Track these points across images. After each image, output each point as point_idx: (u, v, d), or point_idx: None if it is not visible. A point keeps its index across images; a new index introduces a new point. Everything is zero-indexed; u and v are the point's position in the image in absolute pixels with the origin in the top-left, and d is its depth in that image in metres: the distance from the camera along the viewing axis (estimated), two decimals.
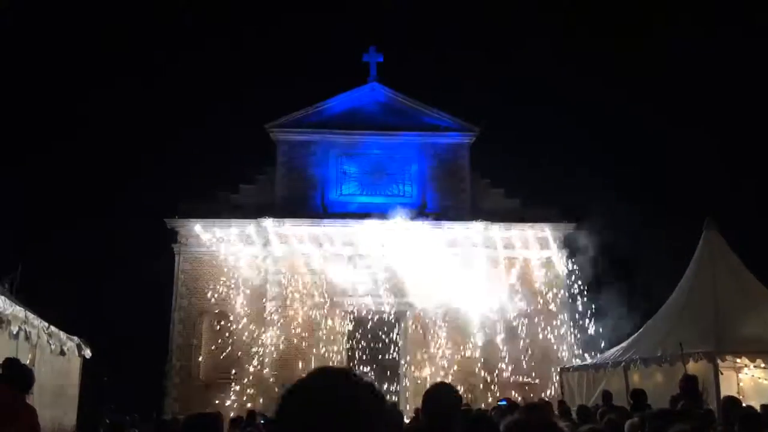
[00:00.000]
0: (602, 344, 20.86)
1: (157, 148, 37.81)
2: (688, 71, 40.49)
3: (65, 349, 8.52)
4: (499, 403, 13.05)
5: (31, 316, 6.95)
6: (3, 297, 6.01)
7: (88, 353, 9.87)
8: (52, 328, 7.88)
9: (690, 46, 40.91)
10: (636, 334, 15.50)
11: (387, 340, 23.37)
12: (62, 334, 8.45)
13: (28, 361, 6.92)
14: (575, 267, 24.09)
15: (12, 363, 5.65)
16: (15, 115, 36.41)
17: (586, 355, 21.47)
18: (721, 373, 12.03)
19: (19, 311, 6.51)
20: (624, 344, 15.51)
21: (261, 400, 21.74)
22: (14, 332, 6.46)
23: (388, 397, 21.05)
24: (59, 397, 8.44)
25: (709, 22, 39.05)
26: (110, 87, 43.76)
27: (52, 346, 7.88)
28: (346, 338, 23.43)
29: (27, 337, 6.91)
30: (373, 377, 21.84)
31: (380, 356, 23.15)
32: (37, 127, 37.84)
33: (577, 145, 37.56)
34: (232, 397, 22.44)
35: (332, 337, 23.18)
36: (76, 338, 9.28)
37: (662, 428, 4.60)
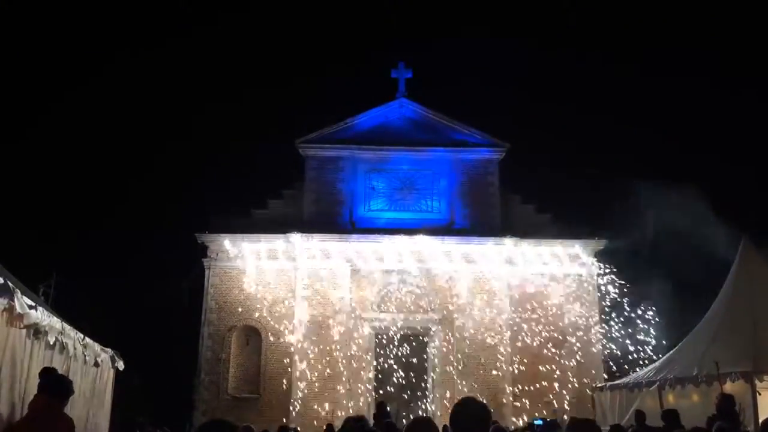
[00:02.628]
0: (636, 363, 20.46)
1: (189, 165, 38.42)
2: (723, 82, 39.94)
3: (99, 360, 8.62)
4: (534, 421, 12.87)
5: (67, 327, 7.04)
6: (41, 308, 6.10)
7: (121, 365, 9.98)
8: (87, 339, 7.98)
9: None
10: (671, 353, 15.18)
11: (415, 356, 23.21)
12: (96, 346, 8.56)
13: (62, 372, 7.00)
14: (607, 283, 23.74)
15: (50, 373, 5.72)
16: (55, 132, 37.35)
17: (618, 374, 21.07)
18: (759, 394, 11.69)
19: (56, 322, 6.60)
20: (658, 363, 15.20)
21: (292, 415, 21.76)
22: (51, 342, 6.55)
23: (416, 412, 20.93)
24: (93, 408, 8.54)
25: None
26: (145, 106, 44.66)
27: (87, 357, 7.99)
28: (374, 353, 23.35)
29: (63, 348, 7.01)
30: (401, 392, 21.81)
31: (409, 372, 22.98)
32: (74, 145, 38.71)
33: (609, 159, 37.11)
34: (261, 411, 22.45)
35: (360, 353, 23.12)
36: (109, 350, 9.39)
37: None
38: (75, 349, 7.38)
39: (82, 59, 44.13)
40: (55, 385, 5.56)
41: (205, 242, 24.43)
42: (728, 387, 11.60)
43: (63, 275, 20.16)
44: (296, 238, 23.61)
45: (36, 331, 6.09)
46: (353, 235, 23.84)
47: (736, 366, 12.02)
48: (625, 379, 16.76)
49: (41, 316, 6.04)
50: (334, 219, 24.40)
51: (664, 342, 17.10)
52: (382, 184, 25.00)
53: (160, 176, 36.06)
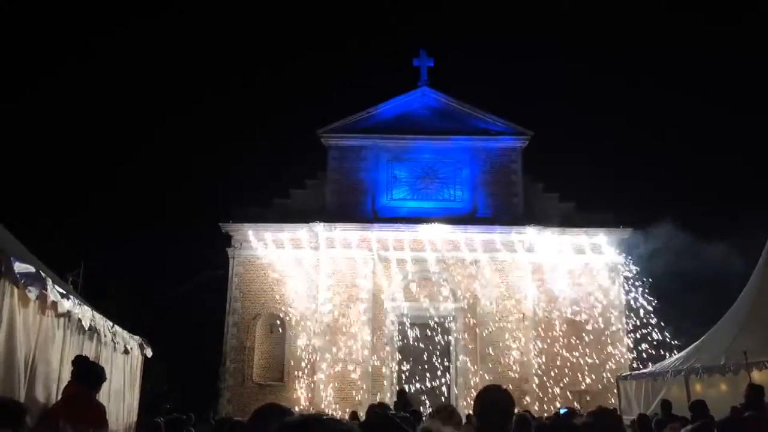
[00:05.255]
0: (662, 352, 20.26)
1: (212, 155, 38.70)
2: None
3: (128, 347, 8.77)
4: (559, 410, 12.82)
5: (97, 315, 7.17)
6: (72, 296, 6.22)
7: (149, 352, 10.14)
8: (117, 327, 8.12)
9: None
10: (698, 342, 14.96)
11: (438, 344, 23.25)
12: (125, 333, 8.70)
13: (93, 359, 7.13)
14: (633, 272, 23.51)
15: (82, 361, 5.83)
16: (82, 117, 37.79)
17: (644, 363, 20.89)
18: None
19: (87, 310, 6.72)
20: (685, 352, 15.00)
21: (313, 402, 21.95)
22: (82, 330, 6.68)
23: (438, 400, 20.98)
24: (124, 394, 8.69)
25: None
26: (170, 97, 45.01)
27: (117, 345, 8.13)
28: (396, 341, 23.43)
29: (93, 336, 7.15)
30: (424, 380, 21.84)
31: (432, 359, 23.03)
32: (98, 131, 39.16)
33: (635, 148, 36.69)
34: (285, 399, 22.67)
35: (383, 341, 23.21)
36: (138, 337, 9.54)
37: None
38: (105, 336, 7.51)
39: (112, 39, 44.53)
40: (87, 373, 5.66)
41: (229, 232, 24.65)
42: (756, 376, 11.44)
43: (90, 265, 20.45)
44: (319, 227, 23.71)
45: (68, 320, 6.21)
46: (375, 225, 23.87)
47: (765, 355, 11.84)
48: (650, 368, 16.60)
49: (72, 304, 6.15)
50: (356, 208, 24.45)
51: (693, 332, 16.85)
52: (405, 173, 24.97)
53: (186, 167, 36.43)
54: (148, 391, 12.15)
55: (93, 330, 6.95)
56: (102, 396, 6.63)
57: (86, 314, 6.65)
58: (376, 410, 6.42)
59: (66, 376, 5.95)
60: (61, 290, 5.84)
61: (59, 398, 5.73)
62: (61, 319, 6.12)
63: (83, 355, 6.18)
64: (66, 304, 5.88)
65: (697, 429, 5.76)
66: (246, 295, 24.20)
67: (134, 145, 41.05)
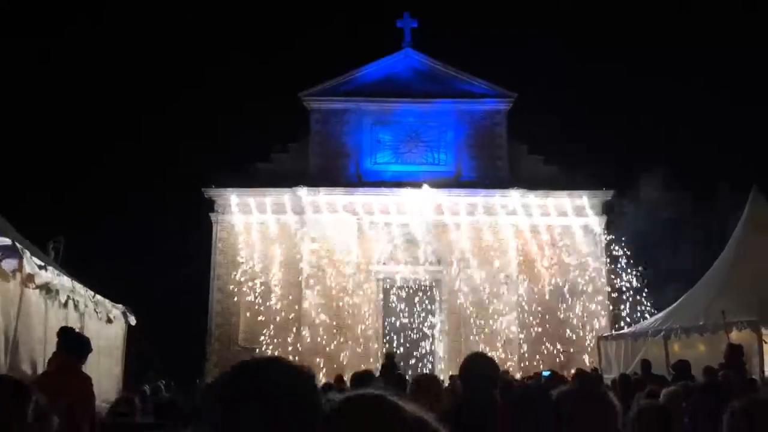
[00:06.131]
0: (642, 312, 20.61)
1: (196, 119, 38.16)
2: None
3: (111, 316, 8.74)
4: (543, 373, 13.04)
5: (78, 285, 7.11)
6: (51, 267, 6.15)
7: (132, 320, 10.12)
8: (98, 296, 8.07)
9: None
10: (677, 303, 15.24)
11: (422, 308, 23.45)
12: (108, 302, 8.66)
13: (77, 330, 7.10)
14: (614, 235, 23.74)
15: (67, 332, 5.79)
16: (66, 92, 37.06)
17: (625, 323, 21.26)
18: (766, 342, 11.79)
19: (67, 281, 6.66)
20: (664, 313, 15.28)
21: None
22: (63, 301, 6.62)
23: (423, 364, 21.28)
24: (108, 364, 8.69)
25: None
26: (149, 58, 44.13)
27: (99, 314, 8.10)
28: (381, 306, 23.60)
29: (75, 306, 7.10)
30: (408, 345, 22.08)
31: (416, 323, 23.25)
32: (81, 101, 38.39)
33: (619, 109, 36.69)
34: None
35: (367, 305, 23.36)
36: (121, 306, 9.50)
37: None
38: (86, 306, 7.47)
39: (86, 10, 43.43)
40: (72, 344, 5.63)
41: (212, 197, 24.48)
42: (734, 336, 11.69)
43: (73, 232, 20.24)
44: (302, 191, 23.60)
45: (48, 291, 6.15)
46: (359, 189, 23.79)
47: (743, 315, 12.08)
48: (630, 329, 16.91)
49: (51, 275, 6.09)
50: (340, 172, 24.32)
51: (672, 293, 17.12)
52: (389, 136, 24.80)
53: (167, 130, 35.87)
54: (133, 359, 12.16)
55: (74, 301, 6.90)
56: (87, 366, 6.63)
57: (66, 284, 6.59)
58: (362, 377, 6.45)
59: (51, 348, 5.92)
60: (39, 262, 5.78)
61: (45, 370, 5.71)
62: (43, 291, 6.07)
63: (69, 326, 6.13)
64: (44, 276, 5.82)
65: (677, 392, 5.87)
66: (230, 259, 24.16)
67: (118, 109, 40.36)
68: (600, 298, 23.48)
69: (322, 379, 16.92)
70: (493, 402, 4.02)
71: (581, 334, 23.11)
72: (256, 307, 23.86)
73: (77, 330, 7.11)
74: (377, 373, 11.72)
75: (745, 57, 37.98)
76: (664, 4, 43.61)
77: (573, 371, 8.24)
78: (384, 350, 21.27)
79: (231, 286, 23.91)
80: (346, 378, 12.82)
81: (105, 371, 8.57)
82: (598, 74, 39.21)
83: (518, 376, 18.18)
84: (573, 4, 43.54)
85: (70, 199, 28.75)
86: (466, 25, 47.20)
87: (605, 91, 36.95)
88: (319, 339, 22.69)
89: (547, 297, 23.54)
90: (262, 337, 23.37)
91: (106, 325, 8.67)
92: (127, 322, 9.95)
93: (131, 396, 7.81)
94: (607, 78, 37.41)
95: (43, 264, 5.90)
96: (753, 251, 13.85)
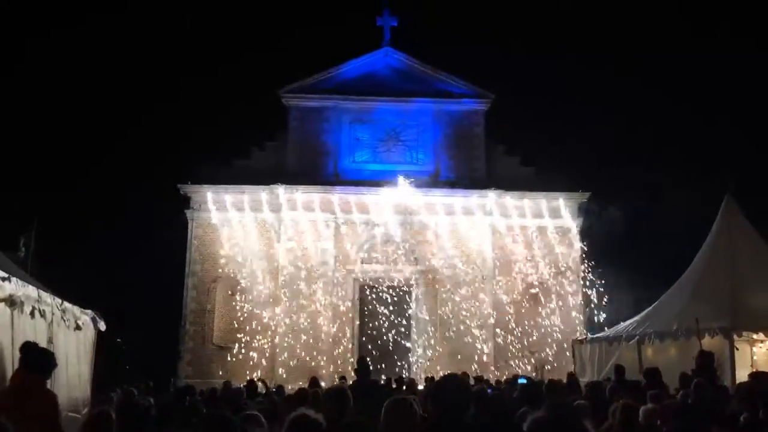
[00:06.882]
0: (616, 317, 20.75)
1: (173, 116, 37.63)
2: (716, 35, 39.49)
3: (80, 323, 8.52)
4: (518, 379, 13.03)
5: (44, 294, 6.90)
6: (15, 278, 5.95)
7: (102, 326, 9.87)
8: (66, 303, 7.85)
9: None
10: (651, 308, 15.32)
11: (399, 307, 23.41)
12: (76, 309, 8.43)
13: (46, 340, 6.91)
14: (589, 237, 23.88)
15: (30, 347, 5.61)
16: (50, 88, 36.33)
17: (599, 327, 21.39)
18: (737, 349, 11.91)
19: (32, 290, 6.45)
20: (638, 317, 15.36)
21: (273, 366, 22.02)
22: (28, 312, 6.43)
23: (401, 364, 21.26)
24: (78, 372, 8.48)
25: None
26: (126, 56, 43.47)
27: (67, 323, 7.88)
28: (357, 305, 23.51)
29: (42, 316, 6.90)
30: (384, 344, 22.03)
31: (392, 323, 23.19)
32: (59, 95, 37.71)
33: (596, 112, 36.88)
34: (244, 362, 22.68)
35: (343, 305, 23.26)
36: (90, 311, 9.27)
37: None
38: (53, 314, 7.27)
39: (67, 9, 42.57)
40: (35, 361, 5.46)
41: (187, 193, 24.19)
42: (707, 342, 11.77)
43: (44, 226, 19.89)
44: (280, 189, 23.41)
45: (12, 303, 5.96)
46: (337, 187, 23.68)
47: (715, 322, 12.17)
48: (604, 333, 16.99)
49: (15, 286, 5.90)
50: (318, 170, 24.17)
51: (646, 297, 17.24)
52: (367, 135, 24.70)
53: (143, 127, 35.37)
54: (107, 362, 11.96)
55: (39, 311, 6.70)
56: (56, 374, 6.45)
57: (31, 294, 6.40)
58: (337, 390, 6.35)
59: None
60: (2, 273, 5.59)
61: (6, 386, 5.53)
62: (8, 303, 5.88)
63: (31, 341, 5.94)
64: (8, 288, 5.64)
65: (654, 410, 5.86)
66: (205, 257, 23.91)
67: (94, 105, 39.65)
68: (575, 300, 23.61)
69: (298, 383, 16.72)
70: (464, 428, 4.00)
71: (556, 336, 23.22)
72: (232, 304, 23.63)
73: (47, 338, 6.94)
74: (351, 379, 11.64)
75: (719, 58, 38.38)
76: (639, 7, 43.90)
77: (546, 383, 8.19)
78: (356, 350, 21.26)
79: (206, 285, 23.66)
80: (323, 383, 12.71)
81: (74, 378, 8.37)
82: (576, 76, 39.39)
83: (492, 378, 18.20)
84: (552, 6, 43.66)
85: (43, 198, 28.19)
86: (446, 25, 47.14)
87: (583, 94, 37.12)
88: (294, 339, 22.54)
89: (522, 298, 23.63)
90: (239, 335, 23.15)
91: (74, 332, 8.45)
92: (96, 327, 9.72)
93: (106, 410, 7.61)
94: (585, 80, 37.56)
95: (6, 275, 5.71)
96: (726, 257, 13.97)
